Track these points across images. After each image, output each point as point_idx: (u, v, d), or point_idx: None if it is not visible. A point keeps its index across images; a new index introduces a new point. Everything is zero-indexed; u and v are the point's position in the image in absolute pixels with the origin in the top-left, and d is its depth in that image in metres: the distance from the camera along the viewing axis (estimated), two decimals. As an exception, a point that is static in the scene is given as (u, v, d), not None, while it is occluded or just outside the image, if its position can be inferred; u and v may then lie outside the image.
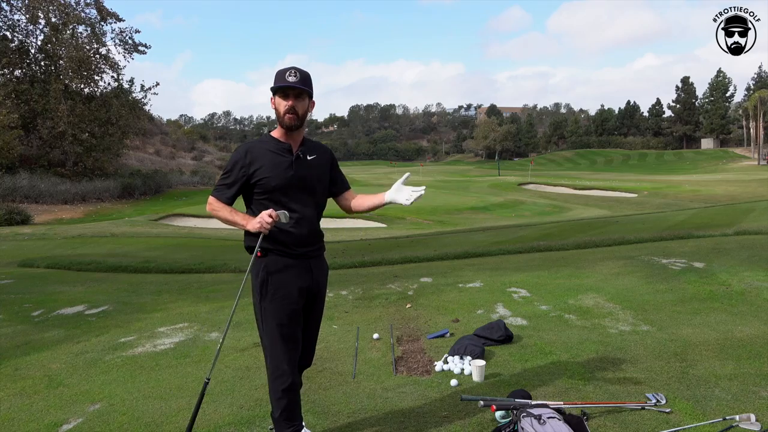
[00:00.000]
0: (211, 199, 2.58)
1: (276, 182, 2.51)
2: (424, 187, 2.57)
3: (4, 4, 33.17)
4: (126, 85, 38.42)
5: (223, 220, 2.57)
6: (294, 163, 2.55)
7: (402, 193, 2.58)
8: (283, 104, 2.48)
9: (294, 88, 2.46)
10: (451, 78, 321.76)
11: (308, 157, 2.61)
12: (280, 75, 2.47)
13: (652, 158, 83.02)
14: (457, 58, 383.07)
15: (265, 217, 2.41)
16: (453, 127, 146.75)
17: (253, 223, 2.44)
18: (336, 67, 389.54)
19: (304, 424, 2.71)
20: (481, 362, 3.48)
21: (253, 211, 2.56)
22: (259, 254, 2.52)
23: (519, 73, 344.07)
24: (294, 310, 2.55)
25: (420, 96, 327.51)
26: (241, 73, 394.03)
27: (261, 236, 2.48)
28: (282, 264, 2.53)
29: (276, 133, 2.59)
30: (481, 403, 2.77)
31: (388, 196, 2.60)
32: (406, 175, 2.61)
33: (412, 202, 2.51)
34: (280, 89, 2.47)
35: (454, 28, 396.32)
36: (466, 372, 3.55)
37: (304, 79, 2.49)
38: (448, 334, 4.40)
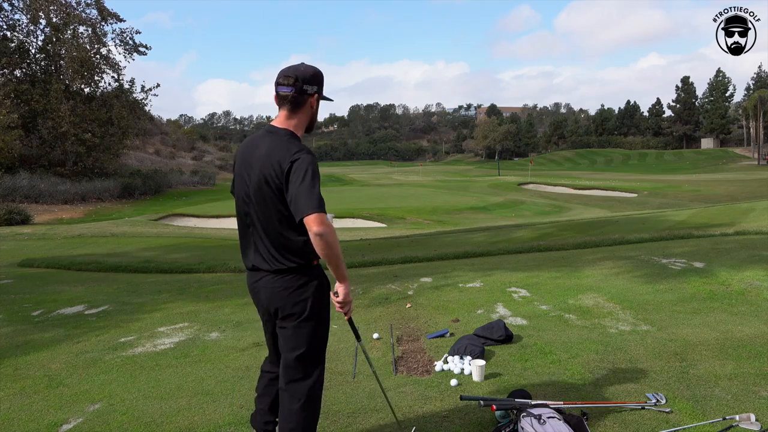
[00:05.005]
0: (326, 219, 2.15)
1: None
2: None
3: (5, 4, 33.26)
4: (126, 86, 38.52)
5: (335, 256, 2.19)
6: None
7: None
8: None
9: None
10: (455, 77, 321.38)
11: None
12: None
13: (652, 158, 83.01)
14: (462, 58, 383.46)
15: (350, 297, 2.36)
16: (453, 127, 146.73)
17: (347, 290, 2.33)
18: (339, 67, 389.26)
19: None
20: (481, 362, 3.48)
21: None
22: (315, 261, 2.36)
23: (523, 72, 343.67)
24: None
25: (424, 96, 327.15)
26: (244, 72, 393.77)
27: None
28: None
29: (300, 133, 2.38)
30: (481, 403, 2.77)
31: None
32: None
33: None
34: (327, 99, 2.42)
35: (461, 28, 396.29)
36: (466, 372, 3.55)
37: None
38: (448, 334, 4.40)
